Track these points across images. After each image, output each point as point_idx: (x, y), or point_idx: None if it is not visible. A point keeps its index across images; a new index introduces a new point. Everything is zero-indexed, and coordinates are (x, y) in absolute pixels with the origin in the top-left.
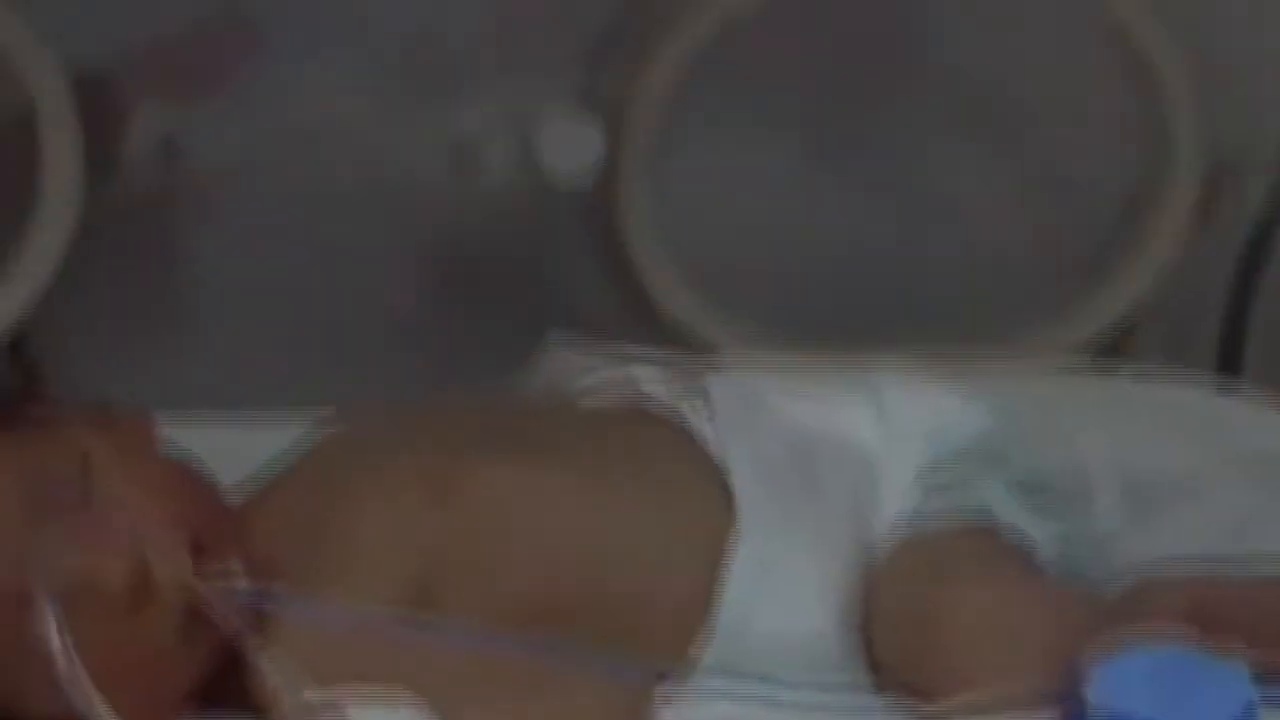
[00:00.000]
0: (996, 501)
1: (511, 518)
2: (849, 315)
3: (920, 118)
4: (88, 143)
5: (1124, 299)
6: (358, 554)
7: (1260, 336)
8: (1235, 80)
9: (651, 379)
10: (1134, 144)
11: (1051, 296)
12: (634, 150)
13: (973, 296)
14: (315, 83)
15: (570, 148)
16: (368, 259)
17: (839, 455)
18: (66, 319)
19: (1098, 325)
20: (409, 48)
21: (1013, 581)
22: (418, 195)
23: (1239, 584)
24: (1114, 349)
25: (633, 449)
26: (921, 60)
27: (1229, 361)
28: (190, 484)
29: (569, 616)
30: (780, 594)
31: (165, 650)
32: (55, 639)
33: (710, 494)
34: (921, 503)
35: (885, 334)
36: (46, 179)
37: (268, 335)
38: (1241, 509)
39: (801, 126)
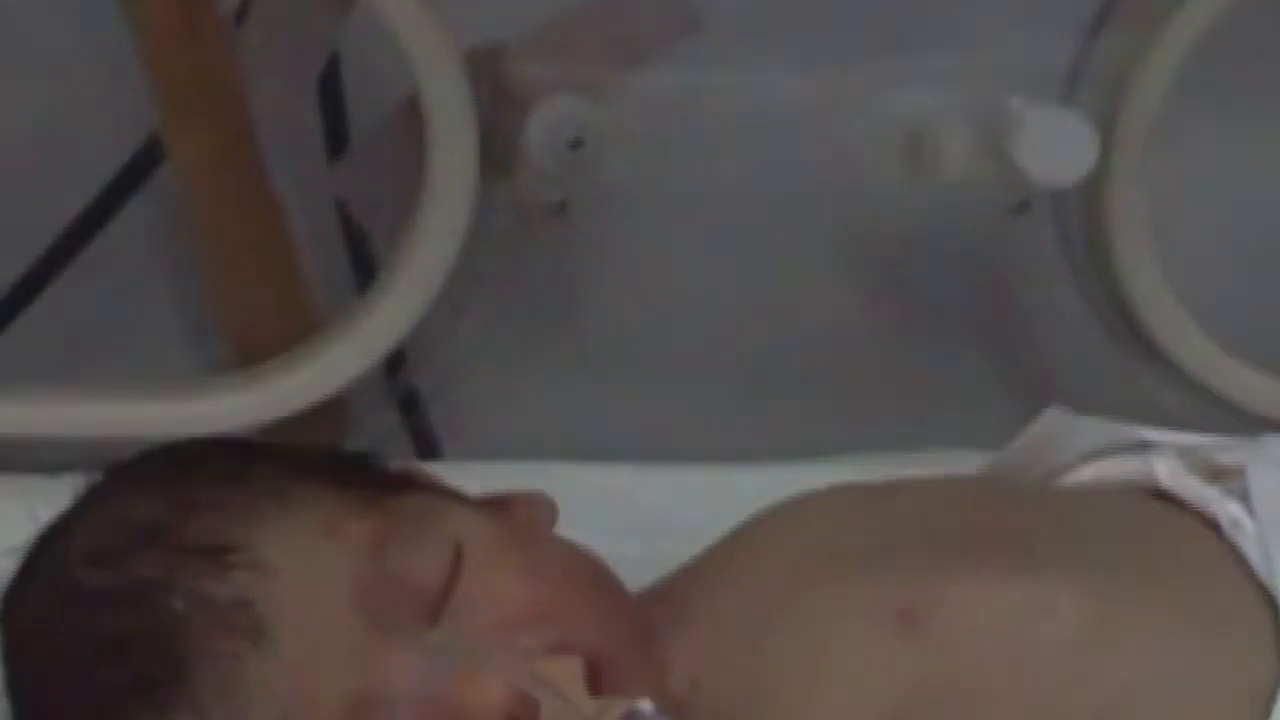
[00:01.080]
0: None
1: (1008, 650)
2: None
3: None
4: (481, 134)
5: None
6: (816, 697)
7: None
8: None
9: (1169, 466)
10: None
11: None
12: (1129, 145)
13: None
14: (748, 62)
15: (1053, 141)
16: (800, 276)
17: None
18: (451, 342)
19: None
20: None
21: None
22: (863, 198)
23: None
24: None
25: (1154, 553)
26: None
27: None
28: (593, 585)
29: None
30: None
31: None
32: None
33: (1255, 621)
34: None
35: None
36: (434, 176)
37: (681, 368)
38: None
39: None
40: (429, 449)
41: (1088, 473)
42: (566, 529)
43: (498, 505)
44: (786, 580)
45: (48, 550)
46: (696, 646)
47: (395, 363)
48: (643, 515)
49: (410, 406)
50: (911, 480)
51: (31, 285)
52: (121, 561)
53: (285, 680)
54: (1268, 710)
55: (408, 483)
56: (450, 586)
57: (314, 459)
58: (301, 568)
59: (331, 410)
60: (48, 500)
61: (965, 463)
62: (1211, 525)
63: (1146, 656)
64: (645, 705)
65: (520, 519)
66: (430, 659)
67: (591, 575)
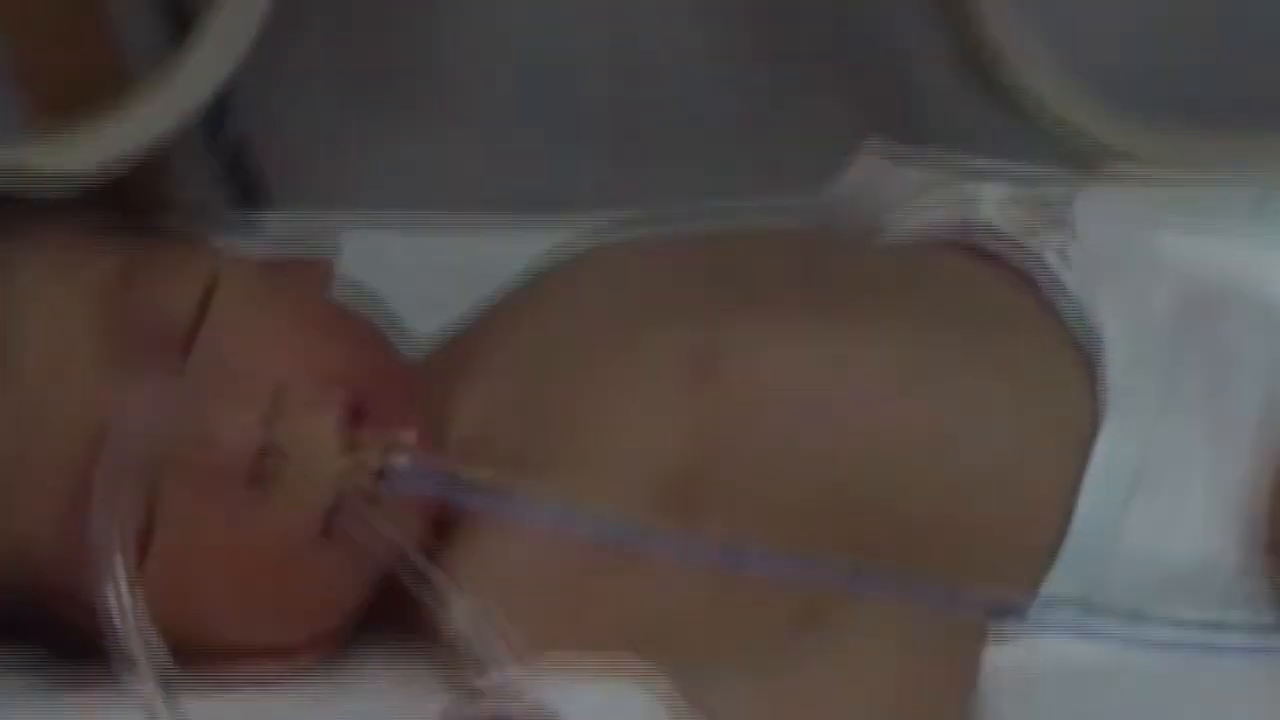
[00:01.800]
0: None
1: (802, 399)
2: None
3: None
4: None
5: None
6: (602, 440)
7: None
8: None
9: (996, 200)
10: None
11: None
12: None
13: None
14: None
15: None
16: (647, 13)
17: (1252, 322)
18: (279, 87)
19: None
20: None
21: None
22: None
23: None
24: None
25: (965, 304)
26: None
27: None
28: (358, 331)
29: (867, 533)
30: (1156, 504)
31: (296, 557)
32: (108, 536)
33: (1067, 368)
34: None
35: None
36: None
37: (517, 116)
38: None
39: None
40: (255, 200)
41: (913, 216)
42: (401, 285)
43: (274, 264)
44: (576, 329)
45: None
46: (483, 396)
47: (217, 113)
48: (479, 272)
49: (235, 157)
50: (713, 228)
51: None
52: None
53: (22, 409)
54: (1085, 460)
55: (167, 229)
56: (199, 321)
57: (64, 205)
58: (43, 293)
59: (148, 168)
60: None
61: (771, 206)
62: (1030, 281)
63: (958, 406)
64: (400, 459)
65: (277, 268)
66: (172, 392)
67: (354, 325)
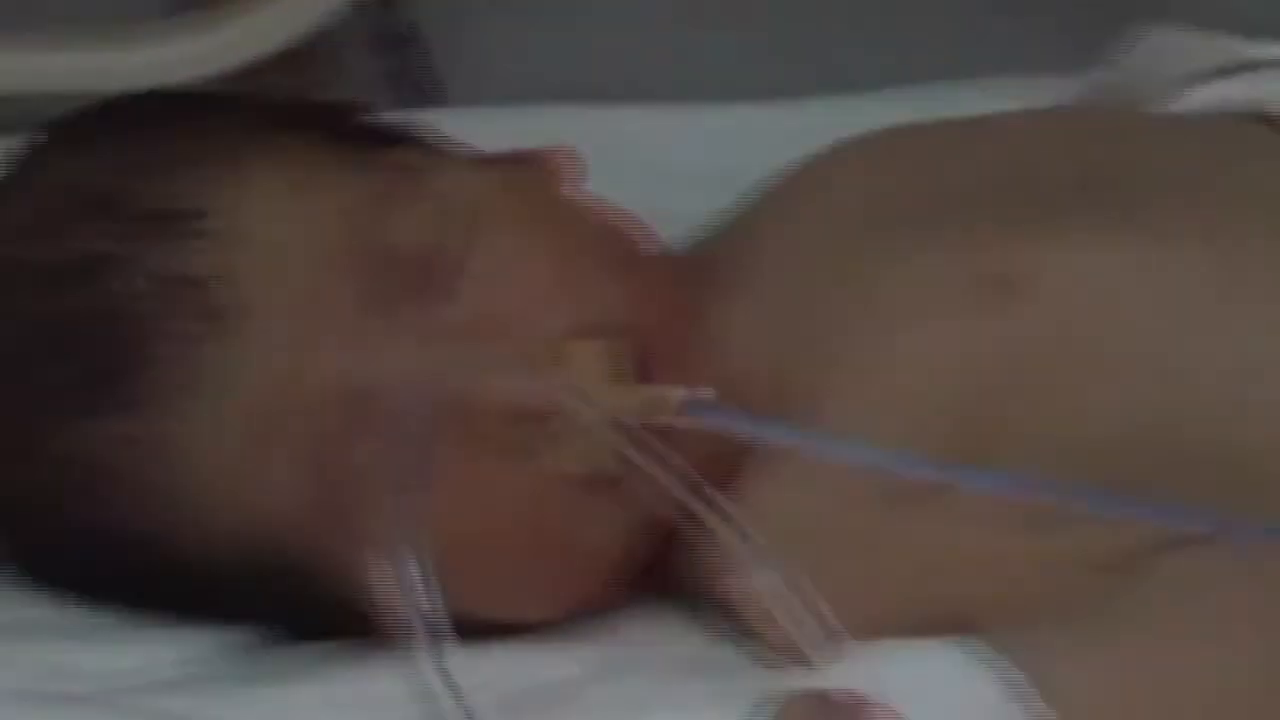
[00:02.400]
0: None
1: (1108, 322)
2: None
3: None
4: None
5: None
6: (887, 373)
7: None
8: None
9: None
10: None
11: None
12: None
13: None
14: None
15: None
16: None
17: None
18: None
19: None
20: None
21: None
22: None
23: None
24: None
25: (1276, 200)
26: None
27: None
28: (630, 252)
29: (1190, 471)
30: None
31: (576, 512)
32: (394, 500)
33: None
34: None
35: None
36: None
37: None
38: None
39: None
40: (427, 94)
41: (1188, 103)
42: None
43: (513, 162)
44: (846, 241)
45: None
46: (746, 325)
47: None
48: (665, 163)
49: (405, 46)
50: (977, 118)
51: None
52: (67, 233)
53: (263, 367)
54: None
55: (404, 136)
56: (458, 258)
57: (286, 109)
58: (277, 234)
59: (310, 55)
60: None
61: (1033, 90)
62: None
63: (1270, 322)
64: (705, 392)
65: (539, 176)
66: (436, 345)
67: (629, 240)
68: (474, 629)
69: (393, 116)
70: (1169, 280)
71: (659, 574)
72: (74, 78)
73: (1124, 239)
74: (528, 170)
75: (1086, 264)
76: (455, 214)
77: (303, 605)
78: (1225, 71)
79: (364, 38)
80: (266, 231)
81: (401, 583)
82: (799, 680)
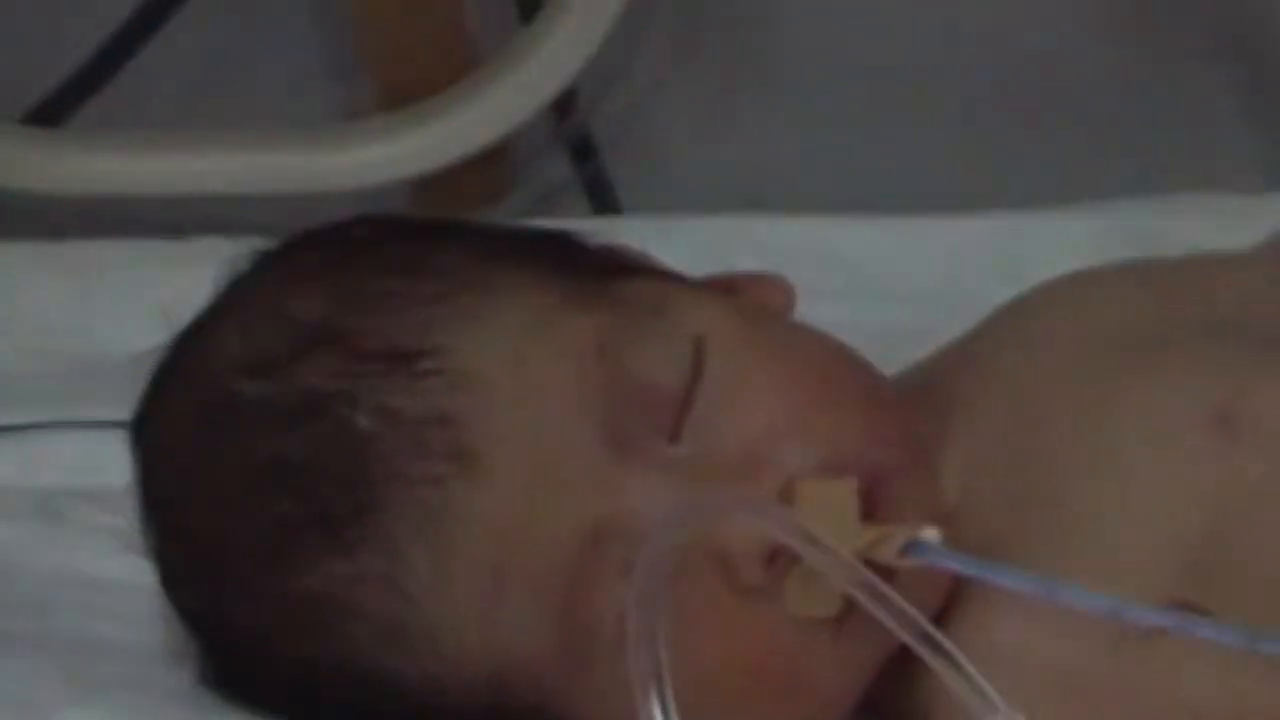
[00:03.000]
0: None
1: None
2: None
3: None
4: None
5: None
6: (1115, 517)
7: None
8: None
9: None
10: None
11: None
12: None
13: None
14: None
15: None
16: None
17: None
18: (628, 80)
19: None
20: None
21: None
22: None
23: None
24: None
25: None
26: None
27: None
28: (860, 386)
29: None
30: None
31: (812, 651)
32: (636, 639)
33: None
34: None
35: None
36: None
37: (890, 105)
38: None
39: None
40: (605, 202)
41: None
42: None
43: (725, 285)
44: (1069, 380)
45: (192, 355)
46: (967, 452)
47: (565, 105)
48: (853, 273)
49: (583, 154)
50: (1197, 257)
51: (147, 19)
52: (288, 370)
53: (501, 511)
54: None
55: (623, 265)
56: (693, 392)
57: (507, 238)
58: (513, 374)
59: (493, 161)
60: (173, 265)
61: (1218, 209)
62: None
63: None
64: (930, 534)
65: (755, 305)
66: (681, 482)
67: (853, 373)
68: None
69: (573, 224)
70: None
71: (879, 704)
72: (265, 179)
73: None
74: (750, 298)
75: None
76: (691, 350)
77: None
78: None
79: (541, 145)
80: (499, 370)
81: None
82: None
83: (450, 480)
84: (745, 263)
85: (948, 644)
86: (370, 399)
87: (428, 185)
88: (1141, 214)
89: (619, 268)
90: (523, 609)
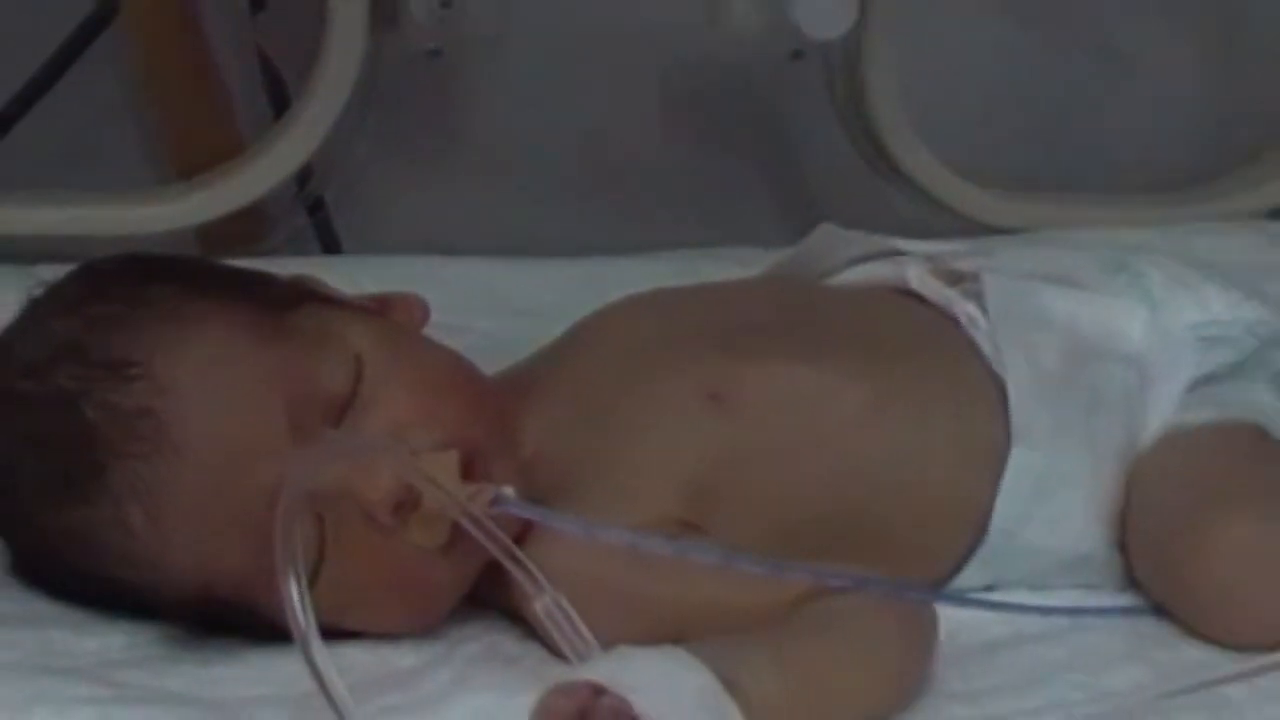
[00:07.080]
0: (1263, 399)
1: (800, 425)
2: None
3: None
4: None
5: None
6: (636, 456)
7: None
8: None
9: (920, 275)
10: None
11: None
12: (883, 6)
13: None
14: None
15: (821, 2)
16: (623, 102)
17: (1113, 365)
18: (350, 159)
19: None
20: None
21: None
22: (672, 42)
23: None
24: None
25: (912, 344)
26: None
27: None
28: (465, 384)
29: (851, 530)
30: (1051, 510)
31: (428, 565)
32: (288, 564)
33: (988, 400)
34: (1186, 408)
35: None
36: (334, 27)
37: (532, 178)
38: None
39: None
40: (332, 245)
41: (851, 276)
42: (437, 310)
43: (380, 305)
44: (613, 368)
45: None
46: (541, 426)
47: (305, 175)
48: (497, 298)
49: (317, 210)
50: (713, 284)
51: (24, 102)
52: (47, 373)
53: (194, 477)
54: (998, 474)
55: (304, 293)
56: (355, 393)
57: (214, 276)
58: (202, 380)
59: (254, 214)
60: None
61: (750, 258)
62: (952, 320)
63: (913, 429)
64: (508, 490)
65: (400, 319)
66: (332, 453)
67: (464, 374)
68: (356, 637)
69: (304, 265)
70: (839, 395)
71: (485, 594)
72: (92, 225)
73: (801, 370)
74: (397, 314)
75: (774, 382)
76: (354, 364)
77: (223, 616)
78: (875, 257)
79: (287, 203)
80: (193, 379)
81: (297, 604)
82: (566, 673)
83: (153, 456)
84: (430, 290)
85: (518, 552)
86: (97, 396)
87: (207, 231)
88: (689, 259)
89: (300, 296)
90: (221, 541)
